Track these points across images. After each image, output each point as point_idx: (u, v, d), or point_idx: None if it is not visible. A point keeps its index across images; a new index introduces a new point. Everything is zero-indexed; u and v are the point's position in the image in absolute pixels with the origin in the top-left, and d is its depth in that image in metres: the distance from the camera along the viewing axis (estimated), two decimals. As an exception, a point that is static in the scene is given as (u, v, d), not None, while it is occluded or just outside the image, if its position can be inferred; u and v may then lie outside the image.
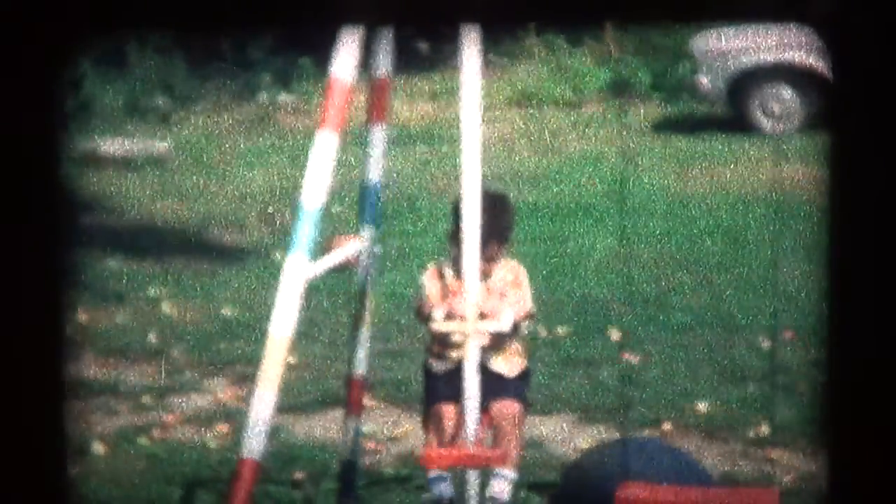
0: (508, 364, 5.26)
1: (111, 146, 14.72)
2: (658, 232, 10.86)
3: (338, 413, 5.90)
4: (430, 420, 5.24)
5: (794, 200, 11.44)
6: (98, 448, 6.81)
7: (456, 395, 5.06)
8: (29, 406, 1.94)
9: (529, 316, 5.28)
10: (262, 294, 8.83)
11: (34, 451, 1.93)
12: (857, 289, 1.93)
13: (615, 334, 8.27)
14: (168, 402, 7.63)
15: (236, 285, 9.89)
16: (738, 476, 6.32)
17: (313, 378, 7.82)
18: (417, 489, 6.33)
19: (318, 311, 8.83)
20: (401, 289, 9.45)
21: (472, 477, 5.14)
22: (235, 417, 6.93)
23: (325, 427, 6.97)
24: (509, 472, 5.17)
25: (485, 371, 5.08)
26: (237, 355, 8.20)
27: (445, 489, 5.17)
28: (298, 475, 6.47)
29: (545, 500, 5.94)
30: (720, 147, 14.12)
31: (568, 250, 10.44)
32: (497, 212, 5.16)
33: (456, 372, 5.06)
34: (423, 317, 5.24)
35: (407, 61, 17.31)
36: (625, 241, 10.22)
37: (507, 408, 5.19)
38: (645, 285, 9.34)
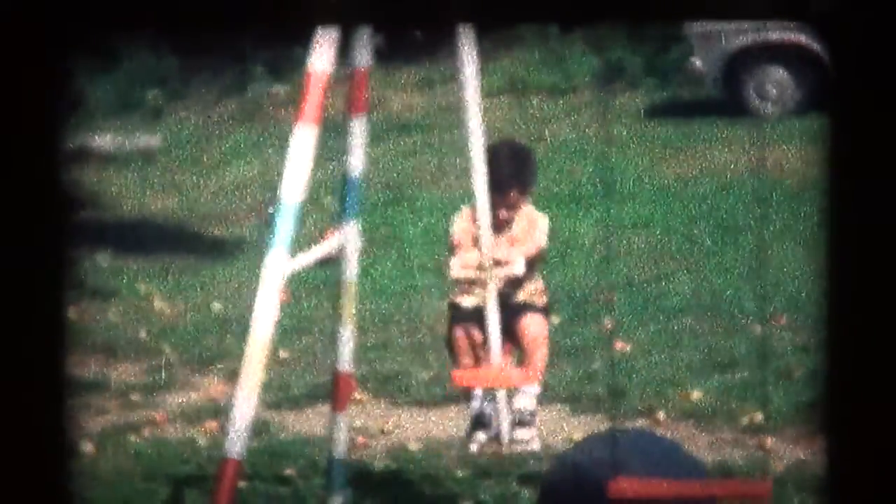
0: (532, 298, 5.67)
1: (102, 142, 14.68)
2: (649, 218, 10.82)
3: (327, 408, 5.87)
4: (455, 344, 5.61)
5: (786, 184, 11.42)
6: (87, 446, 6.77)
7: (480, 324, 5.44)
8: (30, 404, 1.92)
9: (540, 253, 5.63)
10: (253, 289, 8.82)
11: (33, 450, 1.91)
12: (850, 275, 1.91)
13: (607, 323, 8.22)
14: (158, 400, 7.59)
15: (228, 280, 9.85)
16: (732, 464, 6.27)
17: (303, 373, 7.78)
18: (407, 483, 6.30)
19: (307, 306, 8.79)
20: (389, 280, 9.42)
21: (501, 393, 5.54)
22: (225, 414, 6.88)
23: (315, 422, 6.92)
24: (533, 388, 5.60)
25: (510, 307, 5.50)
26: (228, 351, 8.16)
27: (478, 405, 5.58)
28: (288, 471, 6.43)
29: (536, 491, 5.89)
30: (712, 131, 14.07)
31: (558, 238, 10.39)
32: (519, 161, 5.61)
33: (480, 308, 5.43)
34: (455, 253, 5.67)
35: (397, 51, 17.28)
36: (615, 228, 10.19)
37: (534, 321, 5.60)
38: (636, 272, 9.30)
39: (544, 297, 5.70)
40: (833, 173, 1.91)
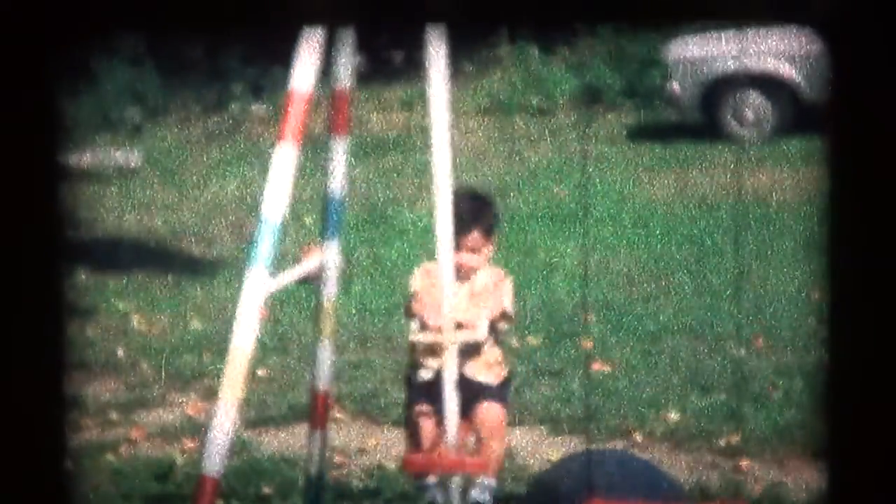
0: (490, 373, 5.37)
1: (81, 158, 14.66)
2: (628, 239, 10.85)
3: (305, 427, 5.86)
4: (411, 426, 5.37)
5: (764, 207, 11.45)
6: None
7: (437, 402, 5.12)
8: (27, 419, 1.92)
9: (505, 317, 5.35)
10: (232, 307, 8.81)
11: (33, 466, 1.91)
12: (831, 294, 1.90)
13: (585, 343, 8.24)
14: (135, 417, 7.57)
15: (207, 298, 9.84)
16: (708, 486, 6.29)
17: (281, 391, 7.77)
18: (385, 502, 6.29)
19: (286, 324, 8.79)
20: (369, 299, 9.42)
21: (455, 483, 5.21)
22: (202, 432, 6.87)
23: (293, 441, 6.92)
24: (489, 480, 5.30)
25: (466, 381, 5.20)
26: (206, 369, 8.15)
27: (433, 494, 5.30)
28: (266, 490, 6.42)
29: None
30: (690, 154, 14.13)
31: (538, 259, 10.41)
32: (478, 203, 5.42)
33: (437, 381, 5.13)
34: (410, 316, 5.40)
35: (379, 71, 17.30)
36: (594, 250, 10.20)
37: (491, 411, 5.32)
38: (614, 293, 9.32)
39: (503, 369, 5.42)
40: (832, 178, 1.90)
